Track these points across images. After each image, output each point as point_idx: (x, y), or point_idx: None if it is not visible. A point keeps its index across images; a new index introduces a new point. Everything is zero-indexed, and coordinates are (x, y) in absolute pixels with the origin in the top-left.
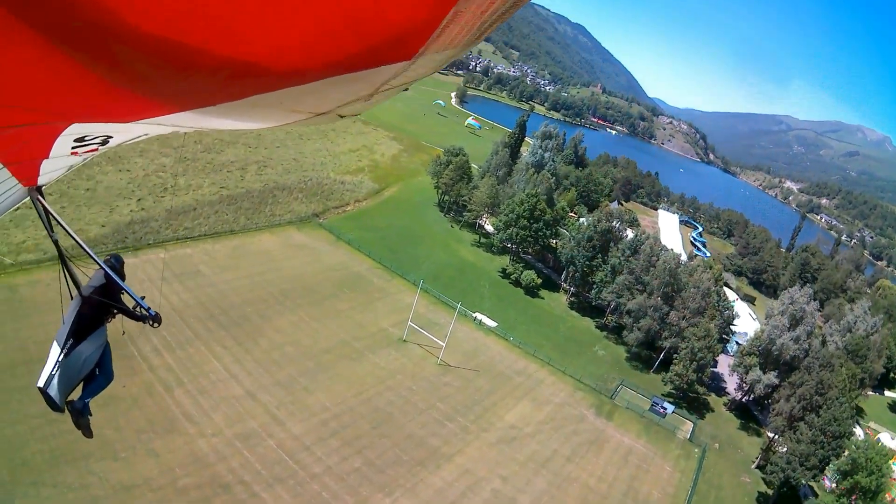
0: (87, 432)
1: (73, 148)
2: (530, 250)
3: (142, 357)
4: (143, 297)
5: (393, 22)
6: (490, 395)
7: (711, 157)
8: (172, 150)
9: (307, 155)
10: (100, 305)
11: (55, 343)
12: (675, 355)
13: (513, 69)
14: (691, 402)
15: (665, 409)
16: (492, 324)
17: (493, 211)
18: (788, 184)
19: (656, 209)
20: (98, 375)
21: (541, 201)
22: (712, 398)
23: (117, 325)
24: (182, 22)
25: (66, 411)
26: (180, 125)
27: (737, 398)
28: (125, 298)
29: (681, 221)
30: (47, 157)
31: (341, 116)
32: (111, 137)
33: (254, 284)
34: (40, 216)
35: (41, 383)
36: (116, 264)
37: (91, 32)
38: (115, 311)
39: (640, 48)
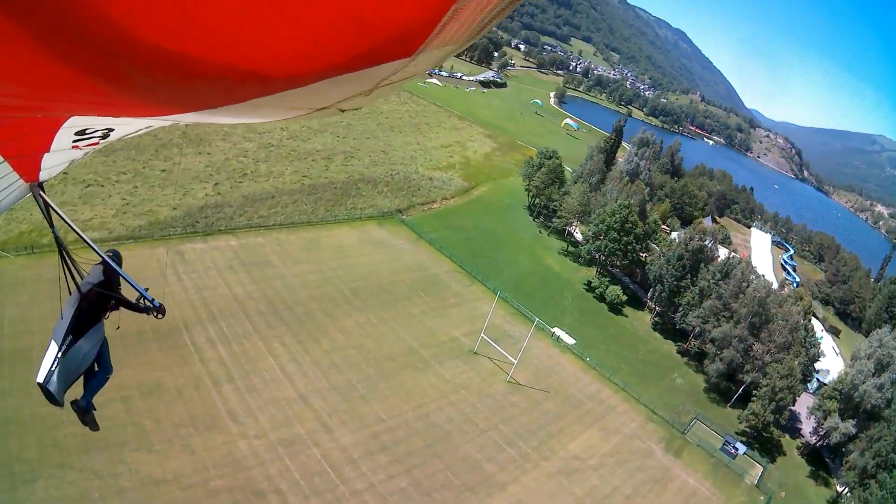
0: (94, 426)
1: (73, 141)
2: (618, 263)
3: (195, 347)
4: (146, 289)
5: (394, 21)
6: (557, 420)
7: (805, 174)
8: (257, 136)
9: (397, 148)
10: (98, 301)
11: (53, 339)
12: (754, 391)
13: (613, 72)
14: (763, 443)
15: (736, 449)
16: (570, 341)
17: (584, 219)
18: (880, 208)
19: (749, 227)
20: (97, 371)
21: (633, 213)
22: (786, 439)
23: (113, 320)
24: (182, 32)
25: (73, 409)
26: (181, 121)
27: (811, 442)
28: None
29: (773, 242)
30: (48, 151)
31: (342, 111)
32: (112, 130)
33: (324, 280)
34: (42, 211)
35: (41, 379)
36: (116, 259)
37: (89, 48)
38: (117, 304)
39: (739, 57)
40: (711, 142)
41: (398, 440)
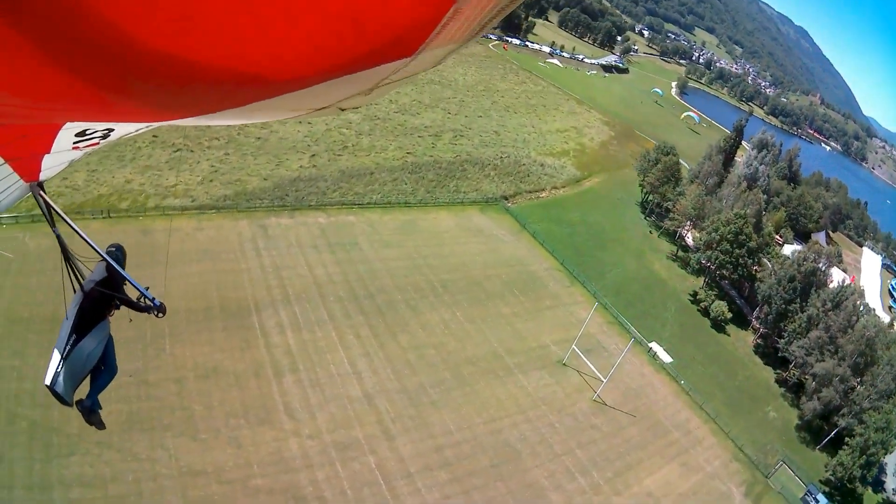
0: (100, 426)
1: (74, 143)
2: (728, 275)
3: (262, 331)
4: (147, 288)
5: (394, 22)
6: (638, 449)
7: None
8: (363, 107)
9: (510, 129)
10: (101, 299)
11: (59, 339)
12: (847, 438)
13: (735, 66)
14: (845, 495)
15: (817, 501)
16: (666, 359)
17: (697, 223)
18: None
19: (861, 246)
20: (103, 370)
21: (748, 224)
22: (868, 493)
23: (124, 313)
24: (181, 37)
25: (78, 409)
26: (181, 125)
27: (893, 501)
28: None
29: (883, 265)
30: (49, 153)
31: (342, 110)
32: (112, 130)
33: (413, 268)
34: (42, 211)
35: (48, 381)
36: (119, 255)
37: (90, 47)
38: (119, 303)
39: (860, 61)
40: (829, 148)
41: (462, 456)
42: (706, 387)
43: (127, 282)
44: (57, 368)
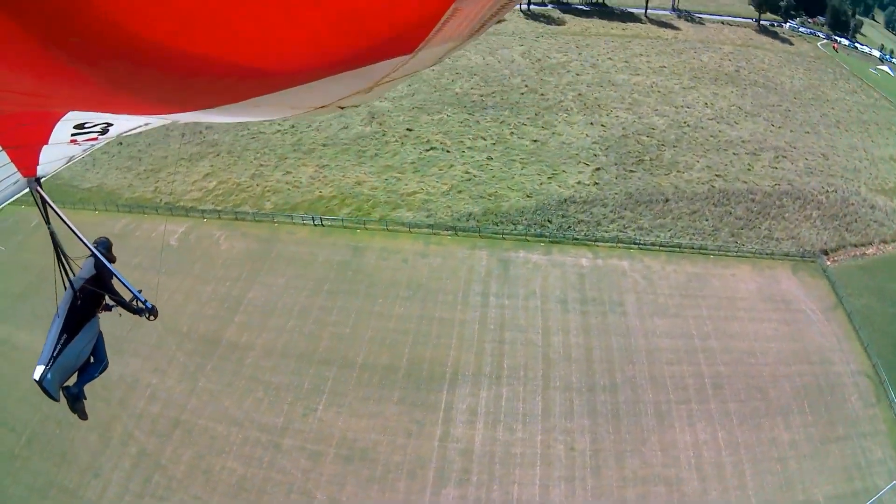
0: (83, 416)
1: (72, 135)
2: None
3: (446, 416)
4: (140, 291)
5: (394, 20)
6: None
7: None
8: (672, 110)
9: (839, 152)
10: (91, 297)
11: (49, 336)
12: None
13: None
14: None
15: None
16: None
17: None
18: None
19: None
20: (93, 363)
21: None
22: None
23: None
24: (183, 30)
25: (64, 395)
26: (181, 120)
27: None
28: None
29: None
30: (47, 144)
31: (341, 108)
32: (111, 125)
33: (685, 351)
34: (38, 207)
35: (37, 376)
36: (103, 249)
37: (90, 50)
38: (111, 303)
39: None
40: None
41: None
42: None
43: (117, 279)
44: (47, 366)
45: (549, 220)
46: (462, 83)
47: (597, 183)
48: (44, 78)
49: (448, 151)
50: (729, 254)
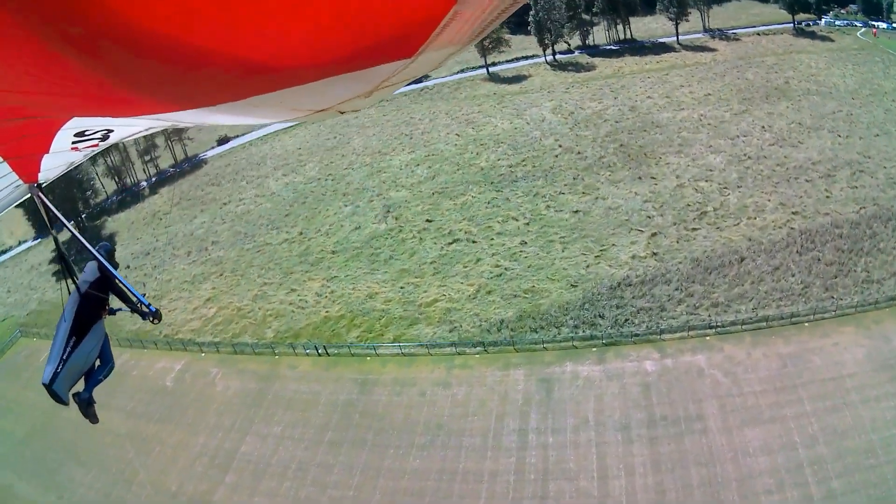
0: (94, 419)
1: (73, 143)
2: None
3: None
4: (144, 295)
5: (394, 21)
6: None
7: None
8: (728, 142)
9: None
10: (97, 300)
11: (56, 339)
12: None
13: None
14: None
15: None
16: None
17: None
18: None
19: None
20: (100, 365)
21: None
22: None
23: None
24: (182, 28)
25: (75, 401)
26: (181, 121)
27: None
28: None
29: None
30: (47, 153)
31: (342, 112)
32: (111, 132)
33: (788, 469)
34: (41, 212)
35: (46, 380)
36: (105, 254)
37: (91, 40)
38: (115, 307)
39: None
40: None
41: None
42: None
43: (120, 282)
44: (56, 369)
45: (600, 316)
46: (488, 155)
47: (655, 253)
48: (45, 76)
49: (474, 242)
50: (826, 315)
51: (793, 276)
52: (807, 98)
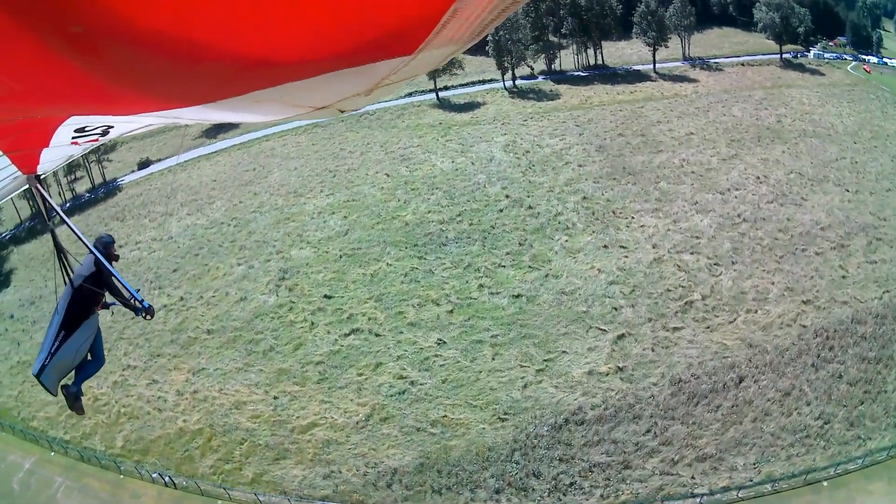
0: (80, 412)
1: (73, 138)
2: None
3: None
4: (137, 290)
5: (394, 17)
6: None
7: None
8: (716, 198)
9: None
10: (90, 294)
11: (48, 331)
12: None
13: None
14: None
15: None
16: None
17: None
18: None
19: None
20: (90, 360)
21: None
22: None
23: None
24: (181, 22)
25: (62, 393)
26: (181, 118)
27: None
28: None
29: None
30: (47, 147)
31: (342, 111)
32: (111, 127)
33: None
34: (39, 204)
35: (35, 370)
36: (102, 247)
37: (90, 37)
38: (110, 301)
39: None
40: None
41: None
42: None
43: (114, 276)
44: (45, 361)
45: (535, 474)
46: (417, 205)
47: (620, 368)
48: (44, 74)
49: (377, 335)
50: (851, 467)
51: (808, 405)
52: (804, 141)
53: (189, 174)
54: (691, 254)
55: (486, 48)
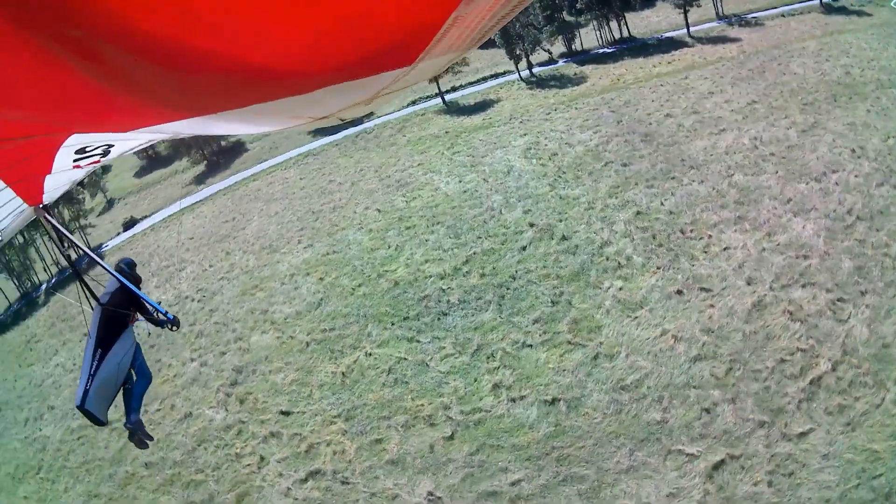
0: (147, 441)
1: (74, 161)
2: None
3: None
4: (159, 302)
5: (393, 29)
6: None
7: None
8: (813, 188)
9: None
10: (120, 307)
11: (84, 360)
12: None
13: None
14: None
15: None
16: None
17: None
18: None
19: None
20: (137, 379)
21: None
22: None
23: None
24: (183, 32)
25: (125, 428)
26: (181, 132)
27: None
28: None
29: None
30: (49, 173)
31: (342, 120)
32: (112, 147)
33: None
34: (50, 234)
35: (78, 401)
36: (127, 269)
37: (91, 44)
38: (137, 315)
39: None
40: None
41: None
42: None
43: (135, 293)
44: (86, 386)
45: None
46: (412, 251)
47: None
48: (44, 85)
49: (345, 482)
50: None
51: None
52: (884, 93)
53: (168, 233)
54: (803, 286)
55: (494, 37)
